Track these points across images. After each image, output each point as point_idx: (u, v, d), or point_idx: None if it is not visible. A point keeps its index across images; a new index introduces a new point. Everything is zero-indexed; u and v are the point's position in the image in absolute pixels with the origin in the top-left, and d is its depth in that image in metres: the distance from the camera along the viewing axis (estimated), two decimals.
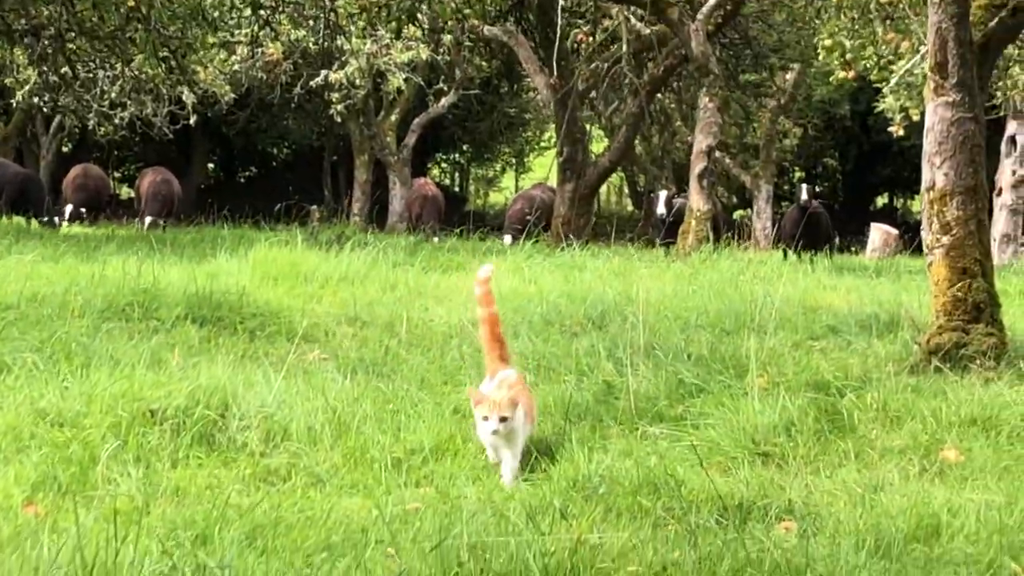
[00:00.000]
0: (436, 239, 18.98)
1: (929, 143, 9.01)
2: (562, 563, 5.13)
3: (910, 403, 7.66)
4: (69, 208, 24.07)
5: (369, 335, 9.81)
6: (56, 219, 22.76)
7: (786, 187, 37.20)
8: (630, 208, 40.02)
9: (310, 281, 12.12)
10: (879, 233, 25.51)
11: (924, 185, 9.04)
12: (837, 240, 21.96)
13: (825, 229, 21.67)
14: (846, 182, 41.05)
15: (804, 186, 22.96)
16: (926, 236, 9.03)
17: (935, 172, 8.96)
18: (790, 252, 18.95)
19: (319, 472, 6.68)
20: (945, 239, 8.93)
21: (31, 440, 6.80)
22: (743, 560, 5.26)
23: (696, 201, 19.35)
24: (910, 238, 21.33)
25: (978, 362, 8.63)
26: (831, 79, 23.11)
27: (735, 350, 8.69)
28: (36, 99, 23.16)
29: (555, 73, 21.27)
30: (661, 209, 23.94)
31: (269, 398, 7.37)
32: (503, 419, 6.59)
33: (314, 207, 27.71)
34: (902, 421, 7.46)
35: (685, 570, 5.15)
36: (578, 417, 7.67)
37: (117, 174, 38.78)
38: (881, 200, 43.36)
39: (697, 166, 19.47)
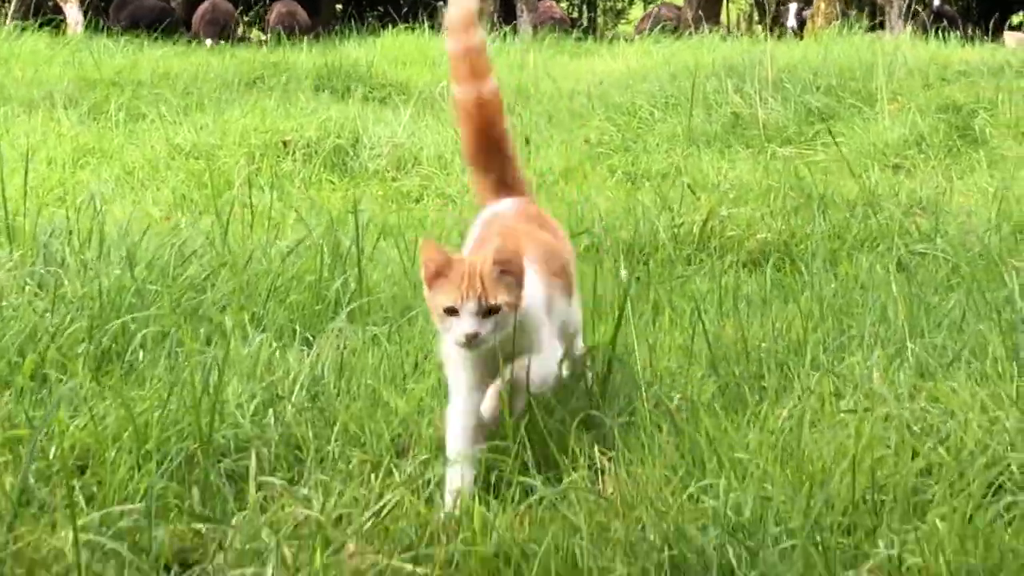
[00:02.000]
0: None
1: None
2: (691, 232, 5.18)
3: None
4: (209, 42, 24.20)
5: None
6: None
7: (918, 3, 36.41)
8: (761, 34, 39.47)
9: (438, 65, 12.14)
10: (1013, 39, 24.92)
11: None
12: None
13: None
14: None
15: None
16: None
17: None
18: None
19: (450, 193, 6.78)
20: None
21: (167, 171, 6.97)
22: (872, 229, 5.28)
23: None
24: None
25: None
26: None
27: (865, 84, 8.63)
28: None
29: None
30: (791, 21, 23.61)
31: (399, 130, 7.47)
32: (491, 311, 2.86)
33: (440, 2, 27.65)
34: None
35: (814, 238, 5.17)
36: (706, 143, 7.68)
37: (246, 18, 38.88)
38: (1017, 19, 42.33)
39: None
